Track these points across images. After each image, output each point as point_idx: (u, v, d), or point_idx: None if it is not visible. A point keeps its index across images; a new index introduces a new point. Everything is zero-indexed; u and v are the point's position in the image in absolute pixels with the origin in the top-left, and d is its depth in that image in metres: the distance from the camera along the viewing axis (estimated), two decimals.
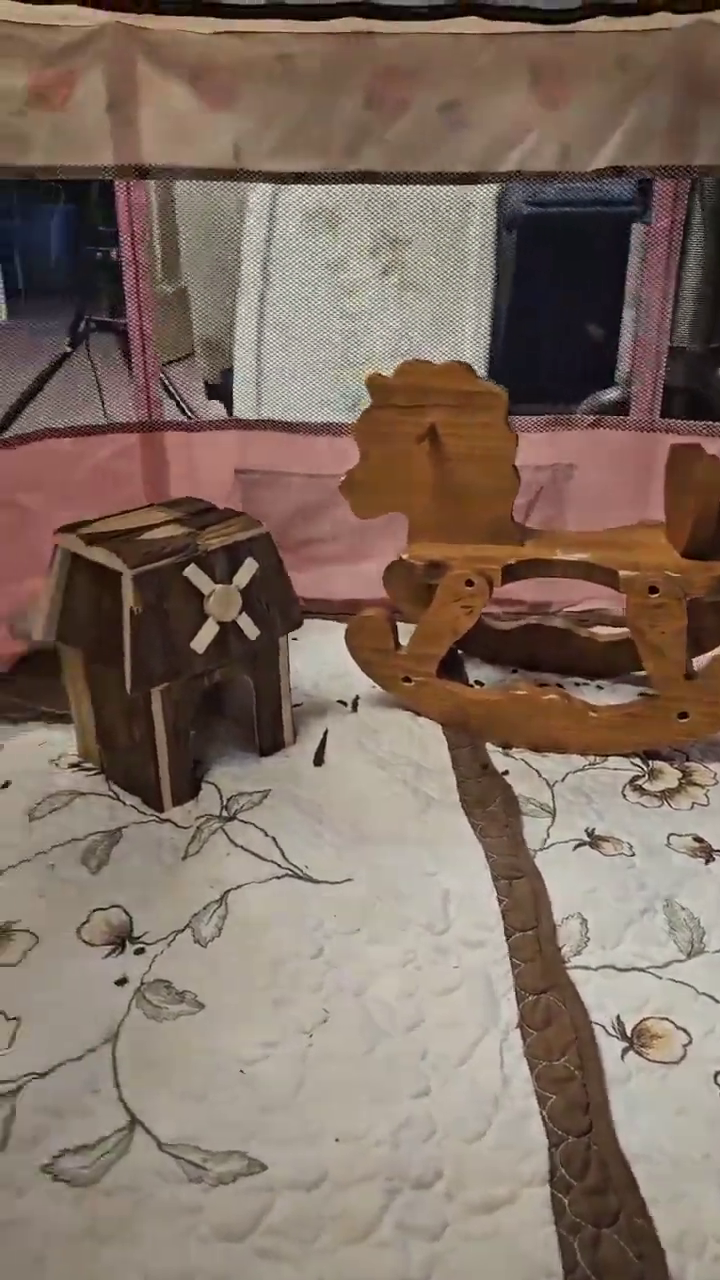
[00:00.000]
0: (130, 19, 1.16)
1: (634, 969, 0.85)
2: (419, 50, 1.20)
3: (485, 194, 2.01)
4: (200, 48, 1.19)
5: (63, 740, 1.18)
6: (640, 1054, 0.77)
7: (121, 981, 0.83)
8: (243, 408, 2.04)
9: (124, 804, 1.07)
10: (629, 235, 1.94)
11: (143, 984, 0.83)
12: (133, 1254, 0.61)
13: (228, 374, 2.32)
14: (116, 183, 1.34)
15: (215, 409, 2.38)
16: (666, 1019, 0.80)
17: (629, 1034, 0.79)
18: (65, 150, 1.22)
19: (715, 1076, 0.75)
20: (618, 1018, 0.80)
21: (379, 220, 2.02)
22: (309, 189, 1.98)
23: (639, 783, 1.11)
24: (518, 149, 1.25)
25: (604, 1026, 0.79)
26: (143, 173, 1.27)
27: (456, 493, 1.16)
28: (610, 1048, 0.77)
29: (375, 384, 1.15)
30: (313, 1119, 0.70)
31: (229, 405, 2.29)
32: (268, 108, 1.21)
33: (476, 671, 1.34)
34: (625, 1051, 0.77)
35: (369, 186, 1.69)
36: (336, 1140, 0.69)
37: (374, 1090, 0.73)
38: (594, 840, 1.01)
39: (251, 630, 1.07)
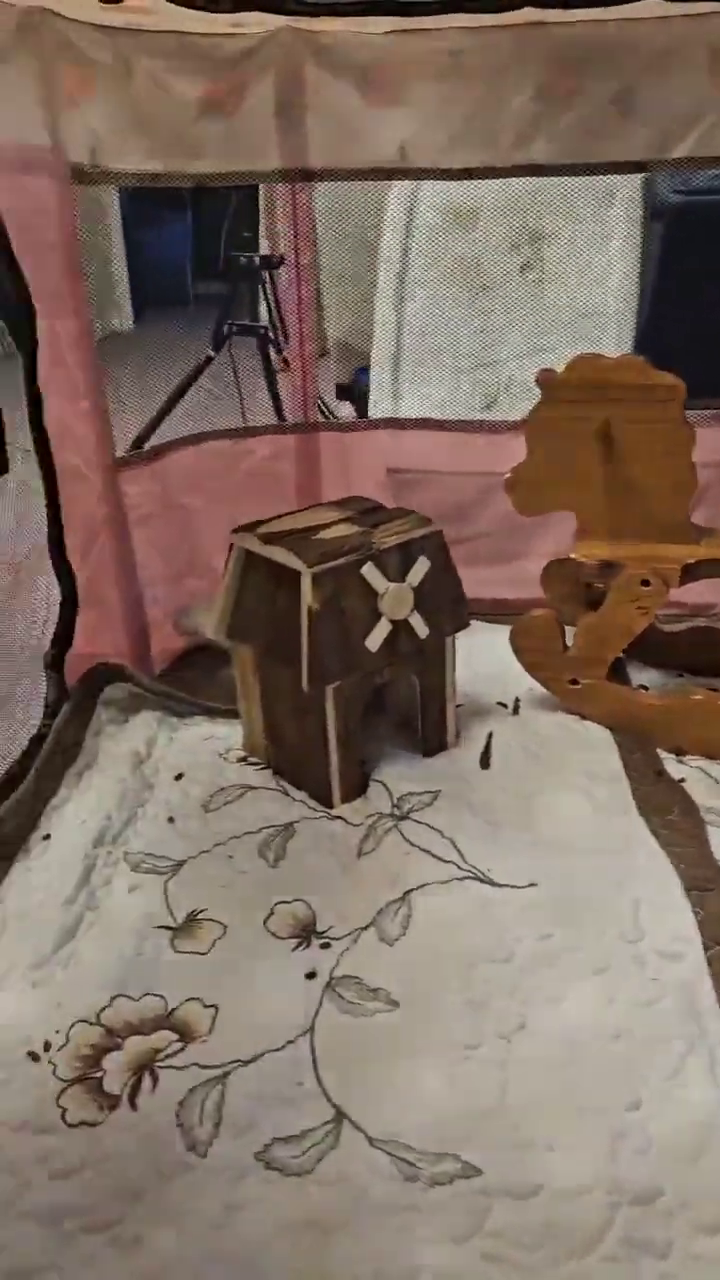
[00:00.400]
0: (301, 23, 1.17)
1: None
2: (591, 38, 1.18)
3: (630, 182, 1.95)
4: (370, 48, 1.19)
5: (227, 735, 1.20)
6: None
7: (311, 975, 0.84)
8: (379, 407, 2.04)
9: (293, 799, 1.08)
10: None
11: (332, 979, 0.83)
12: (361, 1248, 0.62)
13: (359, 374, 2.33)
14: (279, 186, 1.35)
15: (345, 409, 2.39)
16: None
17: None
18: (234, 156, 1.25)
19: None
20: None
21: (519, 215, 1.99)
22: (448, 186, 1.97)
23: None
24: (693, 134, 1.21)
25: None
26: (308, 175, 1.28)
27: (630, 490, 1.13)
28: None
29: (547, 380, 1.13)
30: (521, 1125, 0.69)
31: (359, 405, 2.30)
32: (436, 104, 1.21)
33: (640, 675, 1.31)
34: None
35: (510, 181, 1.67)
36: (550, 1149, 0.68)
37: (582, 1100, 0.71)
38: None
39: (422, 629, 1.07)
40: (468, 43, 1.18)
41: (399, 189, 2.00)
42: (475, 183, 1.42)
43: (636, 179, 1.91)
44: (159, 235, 3.86)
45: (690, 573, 1.10)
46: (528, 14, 1.13)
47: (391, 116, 1.24)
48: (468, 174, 1.27)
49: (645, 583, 1.09)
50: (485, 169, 1.26)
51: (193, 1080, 0.74)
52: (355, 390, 2.40)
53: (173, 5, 1.01)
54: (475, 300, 2.05)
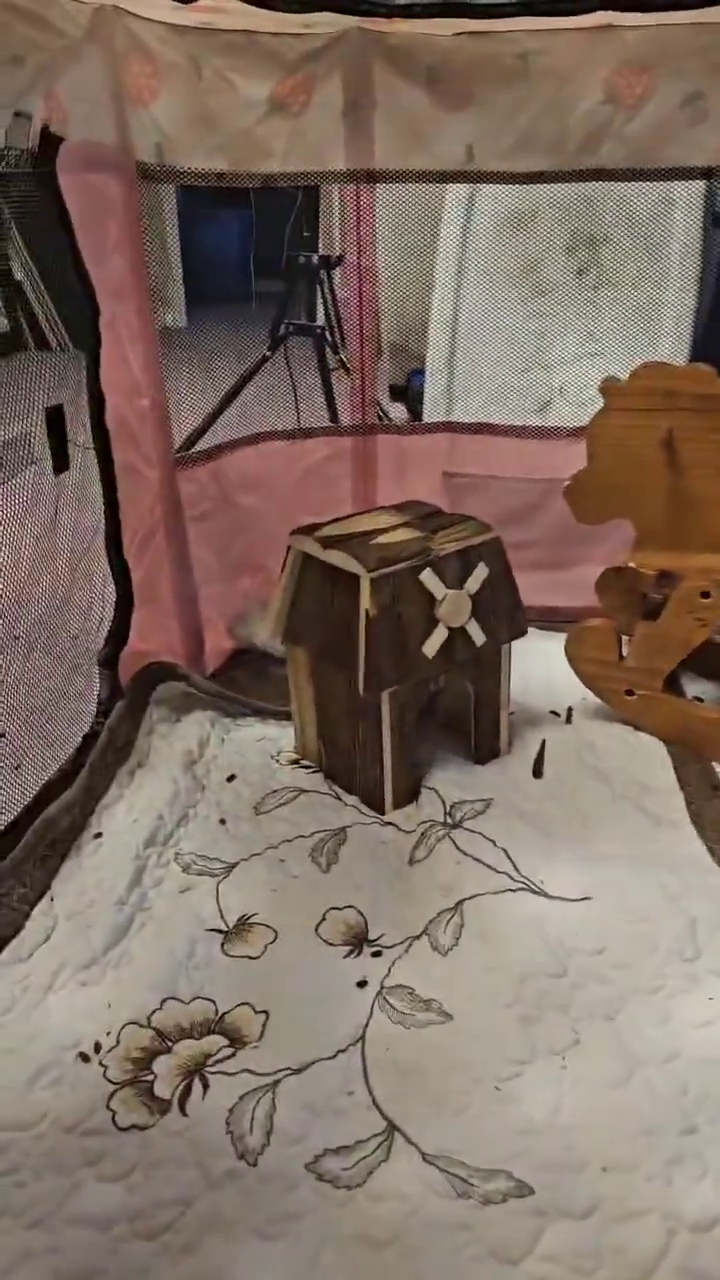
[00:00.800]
0: (371, 24, 1.17)
1: None
2: (662, 42, 1.16)
3: (690, 189, 1.92)
4: (438, 50, 1.19)
5: (278, 736, 1.20)
6: None
7: (362, 983, 0.83)
8: (433, 409, 2.03)
9: (345, 804, 1.08)
10: None
11: (383, 988, 0.83)
12: (411, 1264, 0.61)
13: (414, 376, 2.33)
14: (343, 187, 1.35)
15: (398, 411, 2.39)
16: None
17: None
18: (300, 156, 1.25)
19: None
20: None
21: (577, 219, 1.97)
22: (506, 189, 1.95)
23: None
24: None
25: None
26: (373, 177, 1.28)
27: (692, 500, 1.11)
28: None
29: (609, 388, 1.11)
30: (575, 1145, 0.68)
31: (412, 407, 2.30)
32: (504, 107, 1.20)
33: (694, 687, 1.29)
34: None
35: (568, 185, 1.65)
36: (604, 1170, 0.67)
37: (637, 1122, 0.70)
38: None
39: (478, 636, 1.06)
40: (536, 45, 1.16)
41: (456, 190, 1.99)
42: (532, 185, 1.41)
43: (698, 186, 1.88)
44: (216, 232, 3.88)
45: None
46: (598, 17, 1.12)
47: (458, 119, 1.23)
48: (533, 178, 1.25)
49: (705, 595, 1.07)
50: (552, 173, 1.25)
51: (243, 1087, 0.74)
52: (409, 392, 2.40)
53: (246, 4, 1.01)
54: (530, 303, 2.03)
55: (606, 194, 1.92)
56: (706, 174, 1.22)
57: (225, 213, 3.99)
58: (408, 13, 1.08)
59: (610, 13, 1.11)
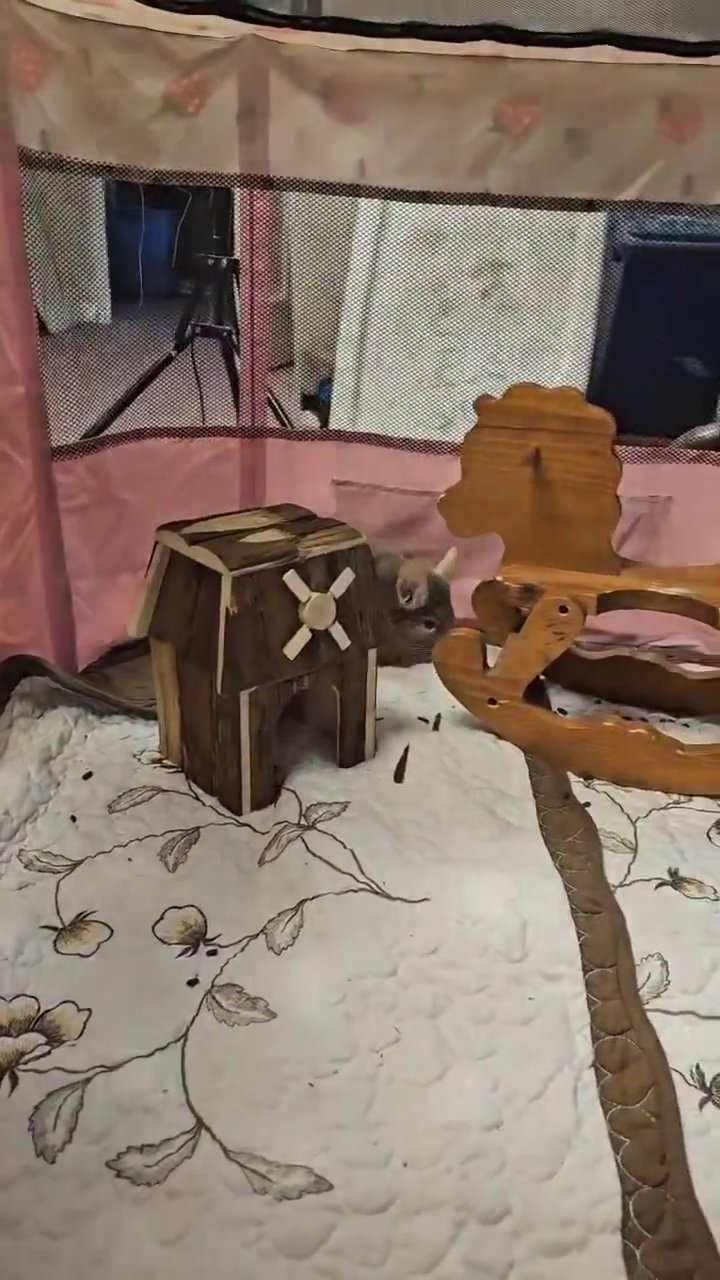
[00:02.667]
0: (267, 32, 1.18)
1: (716, 1017, 0.82)
2: (549, 76, 1.20)
3: (593, 222, 2.00)
4: (334, 64, 1.20)
5: (145, 735, 1.19)
6: None
7: (193, 982, 0.83)
8: (339, 420, 2.06)
9: (203, 804, 1.07)
10: None
11: (214, 986, 0.83)
12: (194, 1260, 0.61)
13: (323, 386, 2.35)
14: (238, 192, 1.36)
15: (308, 419, 2.41)
16: None
17: (709, 1085, 0.76)
18: (193, 157, 1.25)
19: None
20: (697, 1066, 0.77)
21: (483, 243, 2.03)
22: (416, 207, 1.99)
23: None
24: (640, 179, 1.24)
25: (682, 1074, 0.76)
26: (267, 183, 1.29)
27: (557, 518, 1.14)
28: (688, 1096, 0.75)
29: (484, 405, 1.14)
30: (381, 1140, 0.69)
31: (322, 416, 2.32)
32: (396, 125, 1.22)
33: (560, 699, 1.32)
34: (704, 1102, 0.74)
35: (476, 209, 1.70)
36: (405, 1165, 0.68)
37: (444, 1117, 0.71)
38: (676, 881, 0.98)
39: (343, 640, 1.07)
40: (429, 69, 1.19)
41: (368, 206, 2.03)
42: (442, 207, 1.45)
43: (599, 219, 1.96)
44: (146, 230, 3.85)
45: (608, 602, 1.12)
46: (489, 47, 1.16)
47: (352, 133, 1.25)
48: (424, 197, 1.28)
49: (563, 609, 1.10)
50: (441, 194, 1.27)
51: (53, 1085, 0.72)
52: (319, 401, 2.42)
53: (135, 1, 1.02)
54: (437, 322, 2.08)
55: (512, 221, 1.98)
56: (588, 206, 1.26)
57: (156, 211, 3.96)
58: (297, 24, 1.09)
59: (500, 44, 1.16)
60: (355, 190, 1.28)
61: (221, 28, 1.16)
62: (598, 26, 1.13)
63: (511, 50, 1.16)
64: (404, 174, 1.26)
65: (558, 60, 1.18)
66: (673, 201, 1.26)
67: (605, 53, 1.15)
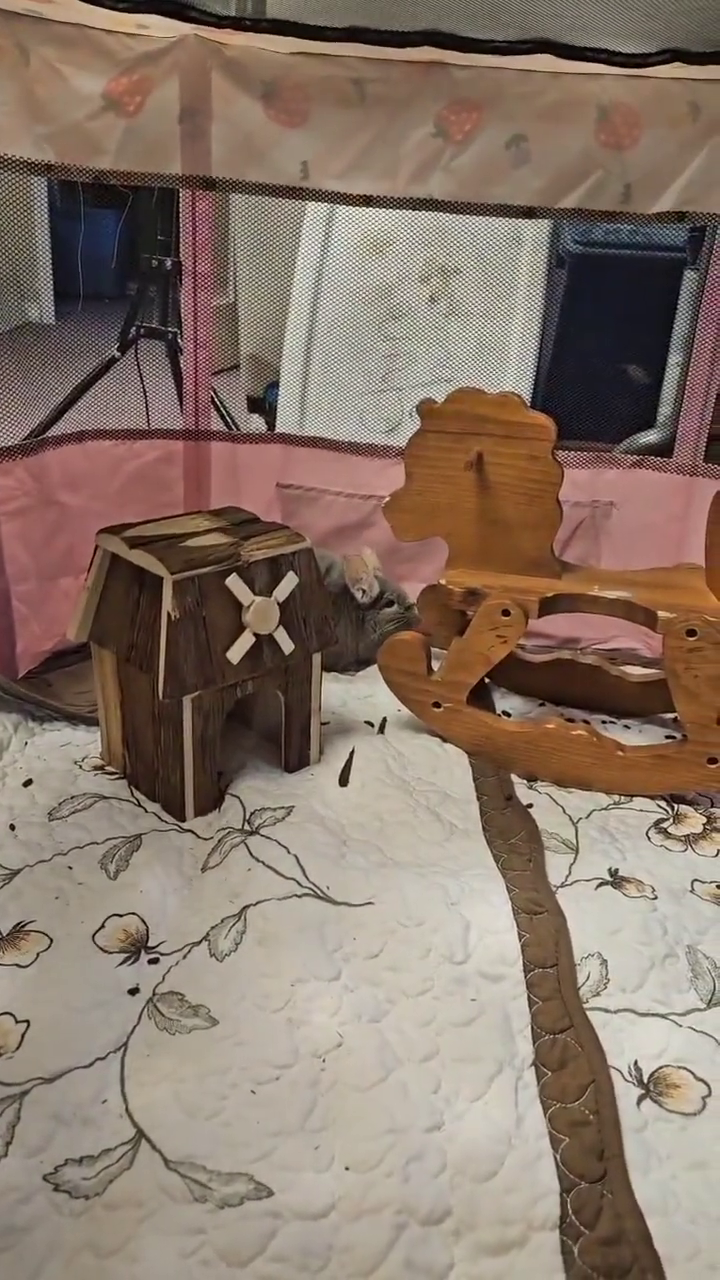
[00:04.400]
0: (208, 33, 1.18)
1: (653, 1014, 0.83)
2: (490, 83, 1.22)
3: (538, 229, 2.02)
4: (275, 66, 1.20)
5: (87, 742, 1.18)
6: (657, 1103, 0.75)
7: (134, 991, 0.82)
8: (285, 423, 2.05)
9: (146, 811, 1.06)
10: (679, 281, 1.95)
11: (155, 994, 0.82)
12: (132, 1271, 0.60)
13: (270, 389, 2.34)
14: (181, 192, 1.35)
15: (256, 423, 2.40)
16: (686, 1068, 0.78)
17: (646, 1081, 0.77)
18: (134, 157, 1.23)
19: None
20: (635, 1063, 0.78)
21: (430, 248, 2.04)
22: (363, 212, 2.00)
23: (664, 825, 1.10)
24: (580, 187, 1.26)
25: (620, 1071, 0.78)
26: (209, 184, 1.28)
27: (499, 522, 1.16)
28: (626, 1093, 0.76)
29: (426, 409, 1.15)
30: (323, 1145, 0.69)
31: (270, 420, 2.31)
32: (338, 129, 1.23)
33: (504, 702, 1.34)
34: (641, 1099, 0.75)
35: (422, 214, 1.71)
36: (346, 1169, 0.67)
37: (386, 1121, 0.71)
38: (617, 880, 0.99)
39: (286, 644, 1.07)
40: (370, 73, 1.20)
41: (315, 210, 2.02)
42: (389, 212, 1.45)
43: (544, 226, 1.98)
44: (92, 230, 3.81)
45: (550, 606, 1.13)
46: (430, 53, 1.17)
47: (294, 136, 1.25)
48: (367, 201, 1.28)
49: (505, 612, 1.11)
50: (384, 199, 1.28)
51: None
52: (266, 404, 2.41)
53: None
54: (384, 326, 2.08)
55: (459, 227, 2.00)
56: (528, 213, 1.28)
57: (102, 212, 3.92)
58: (238, 24, 1.09)
59: (440, 50, 1.16)
60: (297, 193, 1.28)
61: (161, 27, 1.15)
62: (538, 35, 1.14)
63: (452, 56, 1.17)
64: (346, 178, 1.27)
65: (498, 68, 1.19)
66: (612, 210, 1.28)
67: (545, 61, 1.17)
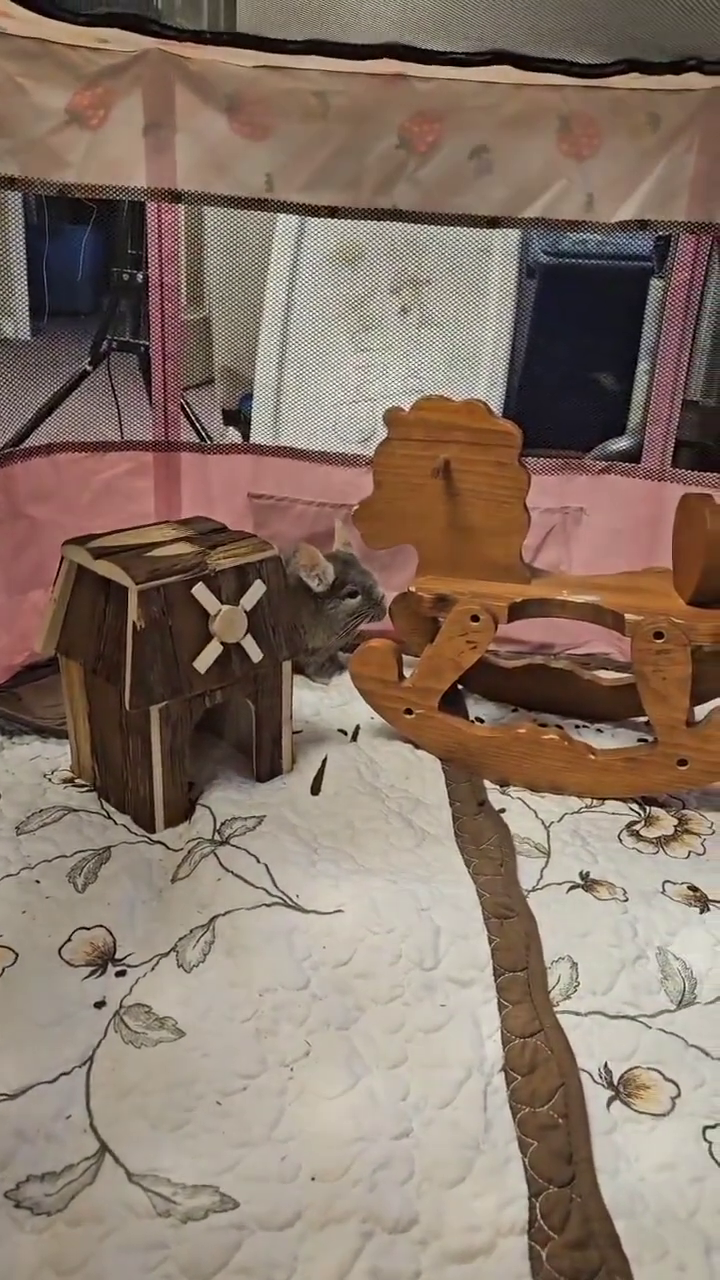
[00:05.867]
0: (171, 46, 1.18)
1: (623, 1017, 0.83)
2: (451, 95, 1.23)
3: (507, 240, 2.04)
4: (238, 80, 1.21)
5: (57, 755, 1.17)
6: (627, 1104, 0.75)
7: (100, 1004, 0.81)
8: (260, 435, 2.05)
9: (115, 823, 1.05)
10: (646, 290, 1.97)
11: (122, 1007, 0.81)
12: None
13: (245, 401, 2.34)
14: (148, 205, 1.35)
15: (230, 435, 2.40)
16: (655, 1069, 0.78)
17: (616, 1083, 0.77)
18: (99, 170, 1.24)
19: (704, 1132, 0.73)
20: (605, 1065, 0.78)
21: (401, 260, 2.06)
22: (334, 225, 2.01)
23: (635, 828, 1.10)
24: (543, 197, 1.27)
25: (590, 1074, 0.77)
26: (175, 197, 1.28)
27: (467, 529, 1.16)
28: (596, 1096, 0.76)
29: (393, 417, 1.16)
30: (289, 1155, 0.68)
31: (244, 431, 2.31)
32: (302, 142, 1.23)
33: (477, 708, 1.34)
34: (611, 1101, 0.75)
35: (392, 226, 1.72)
36: (313, 1179, 0.67)
37: (354, 1129, 0.71)
38: (588, 883, 0.99)
39: (255, 653, 1.07)
40: (333, 86, 1.21)
41: (286, 222, 2.04)
42: (359, 224, 1.46)
43: (513, 236, 2.00)
44: (65, 246, 3.81)
45: (520, 611, 1.14)
46: (392, 65, 1.18)
47: (258, 148, 1.26)
48: (332, 212, 1.29)
49: (475, 618, 1.11)
50: (348, 209, 1.29)
51: None
52: (241, 416, 2.41)
53: (30, 11, 1.00)
54: (357, 337, 2.10)
55: (429, 238, 2.01)
56: (492, 223, 1.29)
57: (75, 227, 3.93)
58: (199, 38, 1.10)
59: (401, 63, 1.17)
60: (263, 205, 1.29)
61: (123, 41, 1.16)
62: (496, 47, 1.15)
63: (413, 68, 1.18)
64: (311, 190, 1.27)
65: (458, 80, 1.21)
66: (575, 220, 1.29)
67: (505, 73, 1.18)
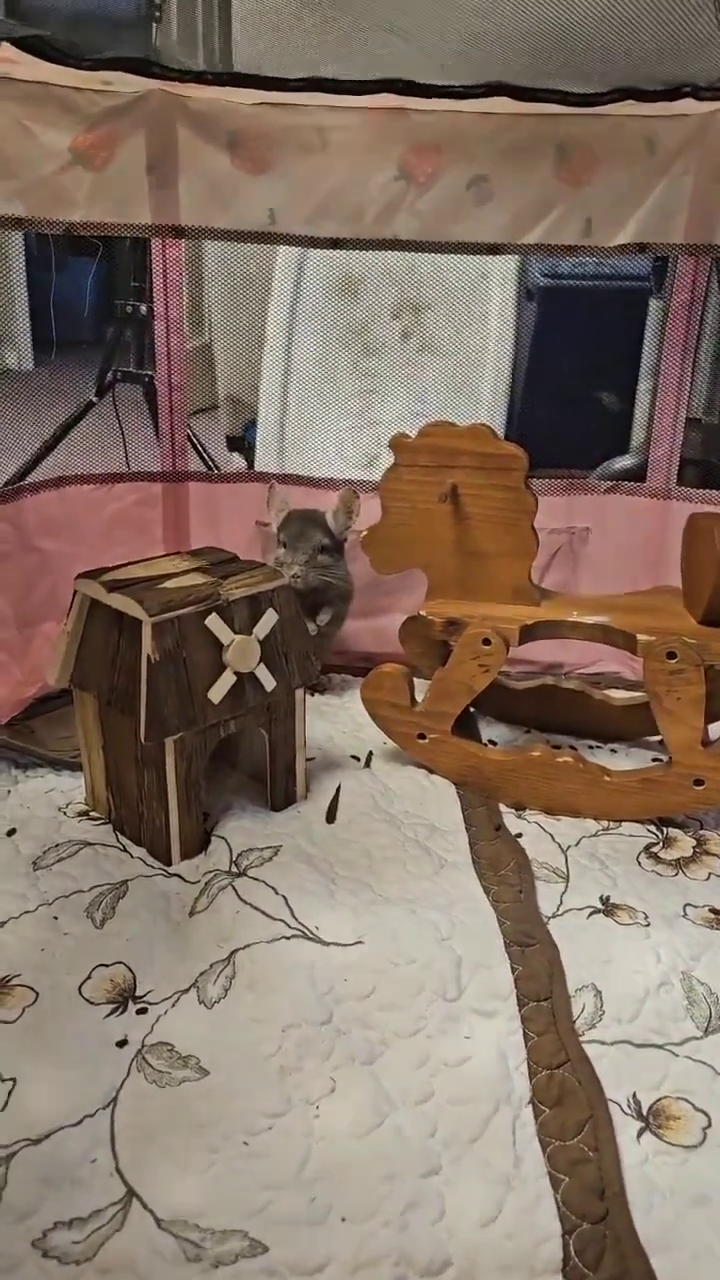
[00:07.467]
0: (173, 87, 1.20)
1: (650, 1045, 0.82)
2: (449, 127, 1.24)
3: (505, 264, 2.06)
4: (239, 117, 1.23)
5: (71, 788, 1.17)
6: (657, 1136, 0.74)
7: (122, 1043, 0.80)
8: (265, 462, 2.06)
9: (131, 856, 1.05)
10: (645, 310, 1.98)
11: (144, 1046, 0.80)
12: None
13: (249, 428, 2.36)
14: (152, 240, 1.37)
15: (236, 461, 2.41)
16: (685, 1099, 0.77)
17: (645, 1114, 0.76)
18: (104, 208, 1.26)
19: None
20: (634, 1096, 0.77)
21: (401, 286, 2.07)
22: (335, 253, 2.03)
23: (654, 850, 1.09)
24: (542, 223, 1.29)
25: (619, 1105, 0.76)
26: (178, 232, 1.30)
27: (476, 552, 1.16)
28: (626, 1127, 0.75)
29: (399, 444, 1.16)
30: (319, 1197, 0.68)
31: (250, 458, 2.33)
32: (303, 176, 1.25)
33: (490, 730, 1.33)
34: (641, 1132, 0.74)
35: (390, 253, 1.73)
36: (343, 1220, 0.66)
37: (383, 1167, 0.70)
38: (609, 908, 0.98)
39: (269, 682, 1.07)
40: (332, 120, 1.23)
41: (287, 251, 2.05)
42: (359, 252, 1.48)
43: (511, 261, 2.02)
44: (68, 278, 3.85)
45: (530, 633, 1.14)
46: (388, 99, 1.19)
47: (260, 183, 1.27)
48: (334, 244, 1.30)
49: (486, 641, 1.11)
50: (350, 240, 1.30)
51: None
52: (246, 443, 2.43)
53: (36, 58, 1.02)
54: (359, 363, 2.11)
55: (428, 264, 2.03)
56: (493, 250, 1.30)
57: (78, 260, 3.97)
58: (201, 79, 1.11)
59: (400, 97, 1.19)
60: (266, 238, 1.31)
61: (126, 83, 1.17)
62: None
63: (412, 102, 1.20)
64: (313, 222, 1.29)
65: (456, 111, 1.22)
66: (574, 244, 1.31)
67: (502, 103, 1.20)
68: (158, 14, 1.78)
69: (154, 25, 1.79)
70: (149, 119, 1.22)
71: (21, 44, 0.95)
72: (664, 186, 1.25)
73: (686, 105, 1.17)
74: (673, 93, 1.12)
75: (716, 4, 1.15)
